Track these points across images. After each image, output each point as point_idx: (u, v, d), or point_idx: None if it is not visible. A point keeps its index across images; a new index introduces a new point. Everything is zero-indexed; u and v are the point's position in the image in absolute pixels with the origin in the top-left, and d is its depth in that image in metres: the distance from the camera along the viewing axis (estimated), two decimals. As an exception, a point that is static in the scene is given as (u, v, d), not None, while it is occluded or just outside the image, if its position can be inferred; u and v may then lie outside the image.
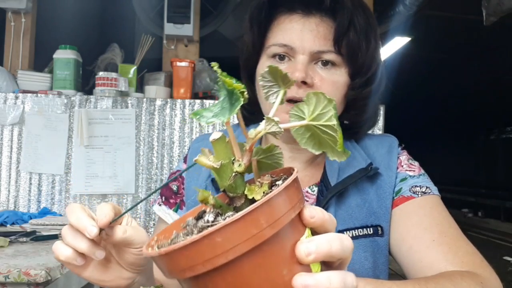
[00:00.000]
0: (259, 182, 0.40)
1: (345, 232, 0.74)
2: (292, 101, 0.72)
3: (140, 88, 2.31)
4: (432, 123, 11.71)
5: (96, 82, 2.15)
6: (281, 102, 0.41)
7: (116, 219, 0.52)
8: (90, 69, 2.36)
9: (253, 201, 0.37)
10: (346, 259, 0.39)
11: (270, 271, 0.34)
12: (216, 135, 0.38)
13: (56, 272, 1.21)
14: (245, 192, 0.38)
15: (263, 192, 0.38)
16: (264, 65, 0.77)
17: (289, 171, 0.41)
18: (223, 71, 0.38)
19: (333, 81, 0.75)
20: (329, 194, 0.75)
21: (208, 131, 2.14)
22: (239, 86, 0.37)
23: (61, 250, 0.51)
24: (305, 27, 0.74)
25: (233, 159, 0.38)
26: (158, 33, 2.60)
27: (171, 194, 0.86)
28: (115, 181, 2.09)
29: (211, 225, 0.35)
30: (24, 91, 2.15)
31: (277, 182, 0.40)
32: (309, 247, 0.35)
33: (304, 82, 0.72)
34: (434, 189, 0.79)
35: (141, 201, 0.53)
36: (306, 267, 0.36)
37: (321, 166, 0.82)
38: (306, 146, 0.41)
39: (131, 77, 2.25)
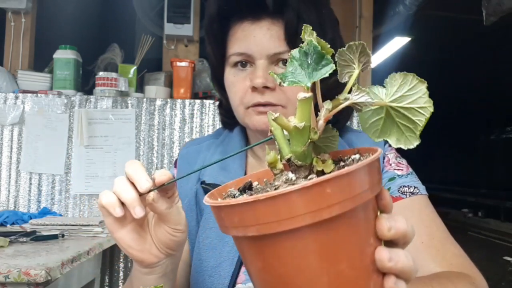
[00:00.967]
0: (319, 158, 0.38)
1: None
2: (259, 105, 0.74)
3: (140, 88, 2.31)
4: (432, 123, 11.68)
5: (96, 82, 2.15)
6: (353, 84, 0.40)
7: (170, 183, 0.51)
8: (90, 69, 2.37)
9: (322, 173, 0.36)
10: (408, 243, 0.40)
11: (360, 238, 0.34)
12: (304, 94, 0.36)
13: (56, 272, 1.21)
14: (314, 163, 0.37)
15: (333, 167, 0.37)
16: (228, 74, 0.79)
17: (370, 151, 0.39)
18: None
19: None
20: None
21: (208, 131, 2.14)
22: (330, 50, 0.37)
23: (106, 194, 0.51)
24: (257, 32, 0.75)
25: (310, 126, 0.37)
26: (158, 33, 2.60)
27: None
28: (115, 181, 2.09)
29: (293, 183, 0.34)
30: (24, 91, 2.15)
31: (341, 163, 0.39)
32: (391, 222, 0.36)
33: (266, 87, 0.73)
34: (422, 189, 0.79)
35: (184, 177, 0.52)
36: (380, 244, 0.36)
37: None
38: (367, 131, 0.40)
39: (131, 77, 2.25)
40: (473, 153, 10.88)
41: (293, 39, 0.74)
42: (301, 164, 0.36)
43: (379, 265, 0.35)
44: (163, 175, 0.51)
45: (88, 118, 2.11)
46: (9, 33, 2.43)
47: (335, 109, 0.37)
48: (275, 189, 0.34)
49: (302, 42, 0.74)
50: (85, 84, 2.35)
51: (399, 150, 0.86)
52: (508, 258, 5.45)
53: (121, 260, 2.12)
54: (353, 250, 0.33)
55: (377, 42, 4.87)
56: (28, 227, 1.76)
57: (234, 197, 0.39)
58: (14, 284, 1.16)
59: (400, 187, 0.78)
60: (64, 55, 2.18)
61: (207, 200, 0.36)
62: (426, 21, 4.71)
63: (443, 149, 12.14)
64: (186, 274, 0.82)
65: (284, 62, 0.75)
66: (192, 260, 0.81)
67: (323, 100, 0.40)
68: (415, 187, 0.78)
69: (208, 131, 2.14)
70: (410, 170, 0.82)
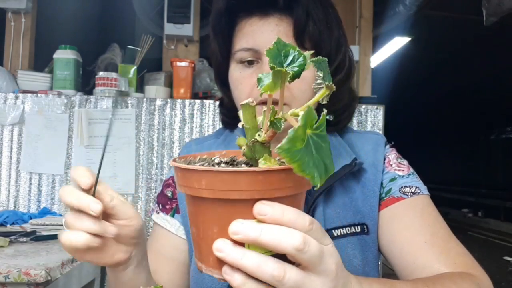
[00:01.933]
0: (272, 157, 0.42)
1: (333, 231, 0.75)
2: (265, 103, 0.73)
3: (140, 88, 2.31)
4: (432, 123, 11.71)
5: (96, 82, 2.15)
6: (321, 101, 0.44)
7: (97, 178, 0.51)
8: (90, 69, 2.36)
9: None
10: (308, 263, 0.39)
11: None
12: (246, 100, 0.42)
13: (56, 272, 1.21)
14: (261, 160, 0.41)
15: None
16: (234, 71, 0.78)
17: None
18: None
19: (302, 77, 0.76)
20: (315, 193, 0.75)
21: (208, 131, 2.14)
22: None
23: (76, 237, 0.49)
24: (265, 28, 0.75)
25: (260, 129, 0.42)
26: (158, 33, 2.60)
27: (166, 201, 0.87)
28: (115, 181, 2.09)
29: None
30: (24, 91, 2.15)
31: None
32: (238, 227, 0.38)
33: None
34: (423, 189, 0.79)
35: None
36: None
37: None
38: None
39: (131, 77, 2.25)
40: (473, 153, 10.89)
41: (301, 36, 0.74)
42: (249, 158, 0.43)
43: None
44: (87, 178, 0.50)
45: (88, 118, 2.11)
46: (9, 33, 2.43)
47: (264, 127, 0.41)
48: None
49: (310, 39, 0.75)
50: (85, 84, 2.34)
51: (399, 151, 0.87)
52: (508, 258, 5.46)
53: (121, 260, 2.12)
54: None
55: (377, 42, 4.87)
56: (28, 227, 1.76)
57: (218, 164, 0.46)
58: (14, 284, 1.16)
59: (401, 187, 0.78)
60: (64, 55, 2.18)
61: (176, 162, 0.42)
62: (426, 21, 4.71)
63: (443, 149, 12.14)
64: (182, 275, 0.83)
65: None
66: (190, 260, 0.81)
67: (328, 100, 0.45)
68: (416, 187, 0.78)
69: (208, 131, 2.14)
70: (411, 170, 0.82)
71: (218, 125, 1.98)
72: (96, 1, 3.58)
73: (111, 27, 3.55)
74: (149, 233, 0.88)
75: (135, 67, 2.27)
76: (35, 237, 1.53)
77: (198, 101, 2.16)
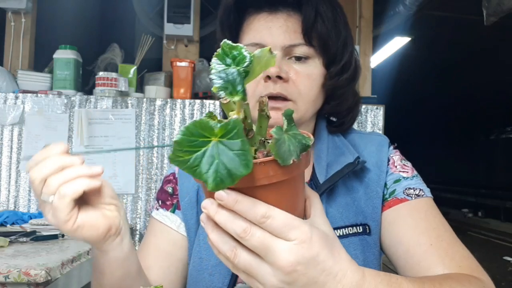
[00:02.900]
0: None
1: (335, 231, 0.75)
2: (272, 98, 0.74)
3: (140, 88, 2.31)
4: (432, 123, 11.71)
5: (96, 82, 2.15)
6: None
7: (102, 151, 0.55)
8: (90, 69, 2.37)
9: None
10: (254, 250, 0.45)
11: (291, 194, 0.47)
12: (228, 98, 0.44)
13: (56, 272, 1.21)
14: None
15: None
16: None
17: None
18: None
19: (308, 73, 0.76)
20: (318, 192, 0.75)
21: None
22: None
23: (78, 184, 0.53)
24: (274, 23, 0.76)
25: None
26: (158, 33, 2.60)
27: (167, 197, 0.87)
28: (115, 181, 2.09)
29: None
30: (24, 91, 2.15)
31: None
32: (206, 203, 0.45)
33: (279, 77, 0.73)
34: (427, 191, 0.79)
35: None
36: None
37: (310, 164, 0.82)
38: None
39: (131, 77, 2.25)
40: (473, 153, 10.88)
41: (309, 33, 0.75)
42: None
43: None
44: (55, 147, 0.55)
45: (88, 118, 2.11)
46: (9, 33, 2.43)
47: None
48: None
49: (318, 37, 0.75)
50: (85, 84, 2.35)
51: (402, 152, 0.87)
52: (508, 258, 5.46)
53: (121, 260, 2.12)
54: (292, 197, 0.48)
55: (377, 42, 4.87)
56: (28, 227, 1.76)
57: None
58: (14, 284, 1.16)
59: (406, 189, 0.78)
60: (64, 55, 2.18)
61: None
62: (426, 21, 4.71)
63: (443, 149, 12.14)
64: (178, 271, 0.82)
65: (297, 58, 0.76)
66: (190, 258, 0.81)
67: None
68: (420, 189, 0.78)
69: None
70: (415, 172, 0.82)
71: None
72: (96, 1, 3.58)
73: (111, 27, 3.55)
74: (141, 232, 0.88)
75: (135, 67, 2.27)
76: (35, 237, 1.53)
77: (198, 101, 2.16)
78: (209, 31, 2.90)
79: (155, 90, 2.21)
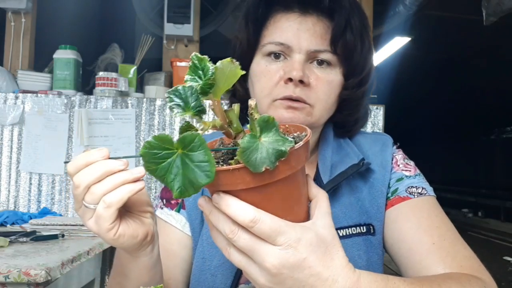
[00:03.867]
0: None
1: (339, 231, 0.74)
2: (290, 99, 0.73)
3: (140, 88, 2.31)
4: (432, 123, 11.71)
5: (96, 82, 2.15)
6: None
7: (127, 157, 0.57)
8: (90, 69, 2.37)
9: None
10: (242, 250, 0.48)
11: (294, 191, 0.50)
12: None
13: (56, 272, 1.21)
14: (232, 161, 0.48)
15: None
16: (259, 63, 0.77)
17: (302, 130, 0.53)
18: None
19: (328, 80, 0.76)
20: None
21: (207, 131, 2.14)
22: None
23: (125, 189, 0.52)
24: (302, 26, 0.74)
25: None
26: (158, 33, 2.60)
27: (171, 196, 0.86)
28: (115, 181, 2.09)
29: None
30: (24, 91, 2.15)
31: None
32: (201, 201, 0.51)
33: (301, 81, 0.72)
34: (430, 190, 0.79)
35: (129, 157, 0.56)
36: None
37: (314, 164, 0.82)
38: None
39: (131, 77, 2.25)
40: (473, 153, 10.88)
41: (336, 41, 0.74)
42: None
43: None
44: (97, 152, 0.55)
45: (88, 118, 2.11)
46: (9, 33, 2.43)
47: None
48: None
49: (344, 46, 0.75)
50: (85, 84, 2.35)
51: (405, 151, 0.87)
52: (508, 258, 5.46)
53: (121, 260, 2.12)
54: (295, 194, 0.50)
55: (377, 42, 4.87)
56: (28, 227, 1.76)
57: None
58: (14, 284, 1.16)
59: (408, 187, 0.78)
60: (64, 55, 2.18)
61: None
62: (426, 21, 4.71)
63: (443, 149, 12.14)
64: (182, 271, 0.82)
65: (319, 62, 0.75)
66: (193, 258, 0.81)
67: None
68: (423, 188, 0.78)
69: (208, 130, 2.14)
70: (418, 171, 0.82)
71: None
72: (96, 1, 3.58)
73: (111, 27, 3.55)
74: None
75: (135, 67, 2.27)
76: (35, 237, 1.53)
77: (198, 101, 2.16)
78: (209, 31, 2.91)
79: (155, 90, 2.21)
